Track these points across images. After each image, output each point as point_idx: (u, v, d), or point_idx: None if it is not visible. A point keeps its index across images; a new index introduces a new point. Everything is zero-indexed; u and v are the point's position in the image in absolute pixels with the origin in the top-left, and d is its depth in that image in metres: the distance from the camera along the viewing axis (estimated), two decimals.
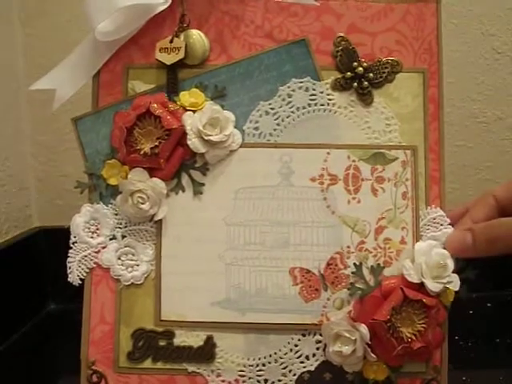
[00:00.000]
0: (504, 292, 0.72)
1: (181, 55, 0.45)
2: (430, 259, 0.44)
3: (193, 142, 0.45)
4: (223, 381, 0.46)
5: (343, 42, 0.47)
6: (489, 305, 0.71)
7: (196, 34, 0.46)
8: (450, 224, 0.46)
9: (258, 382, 0.46)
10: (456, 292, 0.46)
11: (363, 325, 0.44)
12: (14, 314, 0.67)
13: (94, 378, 0.46)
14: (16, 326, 0.68)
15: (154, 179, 0.46)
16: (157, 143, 0.45)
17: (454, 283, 0.45)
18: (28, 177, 0.78)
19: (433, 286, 0.44)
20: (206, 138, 0.45)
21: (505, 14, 0.77)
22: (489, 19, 0.77)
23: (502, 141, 0.77)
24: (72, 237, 0.47)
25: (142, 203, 0.45)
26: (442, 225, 0.46)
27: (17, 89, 0.73)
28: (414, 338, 0.44)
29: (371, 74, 0.47)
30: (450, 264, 0.44)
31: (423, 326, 0.44)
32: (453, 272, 0.45)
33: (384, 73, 0.47)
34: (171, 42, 0.46)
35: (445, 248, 0.45)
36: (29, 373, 0.59)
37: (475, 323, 0.67)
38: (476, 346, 0.61)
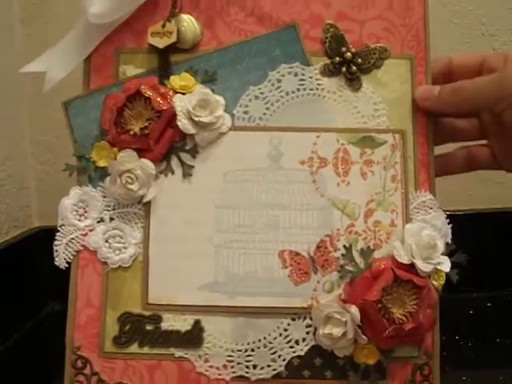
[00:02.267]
0: (504, 292, 0.71)
1: (173, 39, 0.46)
2: (419, 240, 0.44)
3: (183, 123, 0.45)
4: (211, 366, 0.45)
5: (332, 29, 0.48)
6: (489, 305, 0.70)
7: (187, 20, 0.47)
8: None
9: (247, 367, 0.45)
10: (447, 277, 0.46)
11: (353, 306, 0.43)
12: (13, 314, 0.66)
13: (79, 364, 0.45)
14: (16, 326, 0.67)
15: (144, 160, 0.45)
16: (147, 124, 0.45)
17: (444, 264, 0.45)
18: (28, 177, 0.77)
19: (423, 266, 0.44)
20: (195, 119, 0.45)
21: (505, 14, 0.78)
22: (489, 19, 0.78)
23: None
24: (59, 219, 0.47)
25: (131, 183, 0.45)
26: (431, 208, 0.46)
27: (17, 89, 0.73)
28: (405, 319, 0.43)
29: (359, 60, 0.47)
30: (440, 245, 0.44)
31: (414, 307, 0.43)
32: (443, 255, 0.45)
33: (372, 59, 0.47)
34: (163, 26, 0.46)
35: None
36: (29, 373, 0.58)
37: (475, 323, 0.66)
38: (476, 346, 0.61)
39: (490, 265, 0.69)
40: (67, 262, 0.46)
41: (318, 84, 0.47)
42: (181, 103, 0.46)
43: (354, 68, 0.47)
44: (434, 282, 0.45)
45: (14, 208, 0.72)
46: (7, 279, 0.65)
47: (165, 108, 0.45)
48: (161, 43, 0.46)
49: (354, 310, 0.43)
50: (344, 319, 0.43)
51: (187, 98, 0.46)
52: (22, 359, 0.61)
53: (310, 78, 0.47)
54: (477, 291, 0.70)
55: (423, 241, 0.44)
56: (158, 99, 0.45)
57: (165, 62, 0.46)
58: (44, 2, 0.74)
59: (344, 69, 0.47)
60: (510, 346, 0.60)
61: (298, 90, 0.47)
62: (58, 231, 0.46)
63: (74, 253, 0.46)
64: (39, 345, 0.63)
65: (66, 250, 0.46)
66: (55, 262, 0.46)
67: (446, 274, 0.45)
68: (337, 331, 0.43)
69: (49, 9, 0.73)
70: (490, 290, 0.71)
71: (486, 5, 0.78)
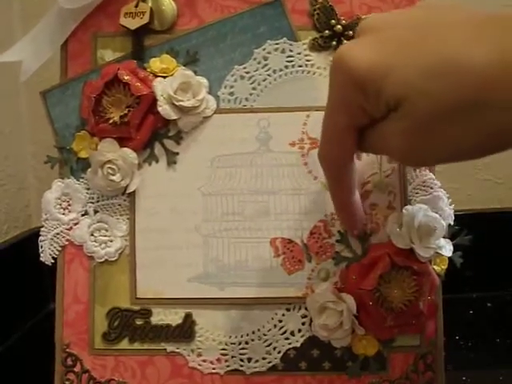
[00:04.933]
0: (504, 292, 0.70)
1: (145, 20, 0.44)
2: (418, 223, 0.41)
3: (164, 109, 0.43)
4: (204, 360, 0.44)
5: (320, 0, 0.45)
6: (489, 305, 0.68)
7: None
8: None
9: (241, 360, 0.43)
10: (450, 260, 0.43)
11: (349, 295, 0.41)
12: (13, 314, 0.66)
13: (69, 361, 0.44)
14: (16, 326, 0.66)
15: (125, 149, 0.44)
16: (126, 111, 0.43)
17: (446, 248, 0.42)
18: (28, 177, 0.77)
19: (422, 251, 0.41)
20: (177, 103, 0.43)
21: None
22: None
23: None
24: (43, 214, 0.45)
25: (113, 174, 0.43)
26: (431, 188, 0.44)
27: (17, 89, 0.72)
28: (404, 307, 0.41)
29: (351, 32, 0.44)
30: (441, 228, 0.42)
31: (414, 294, 0.41)
32: (445, 238, 0.42)
33: None
34: (136, 6, 0.44)
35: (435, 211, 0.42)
36: (29, 373, 0.58)
37: (475, 323, 0.65)
38: (476, 346, 0.59)
39: (490, 265, 0.67)
40: (53, 258, 0.45)
41: (307, 60, 0.44)
42: (161, 87, 0.43)
43: (346, 42, 0.44)
44: (435, 267, 0.42)
45: (14, 208, 0.71)
46: (7, 279, 0.64)
47: (144, 93, 0.43)
48: (133, 24, 0.43)
49: (350, 299, 0.41)
50: (340, 309, 0.41)
51: (168, 82, 0.43)
52: (22, 359, 0.61)
53: (299, 54, 0.45)
54: (477, 291, 0.69)
55: (423, 224, 0.41)
56: (137, 84, 0.43)
57: (138, 43, 0.44)
58: (44, 2, 0.72)
59: (334, 43, 0.44)
60: (509, 345, 0.59)
61: (286, 67, 0.45)
62: (43, 226, 0.45)
63: (59, 248, 0.45)
64: (39, 345, 0.63)
65: (51, 245, 0.45)
66: (40, 258, 0.45)
67: (449, 257, 0.43)
68: (332, 322, 0.41)
69: (49, 9, 0.71)
70: (489, 290, 0.69)
71: (486, 5, 0.74)
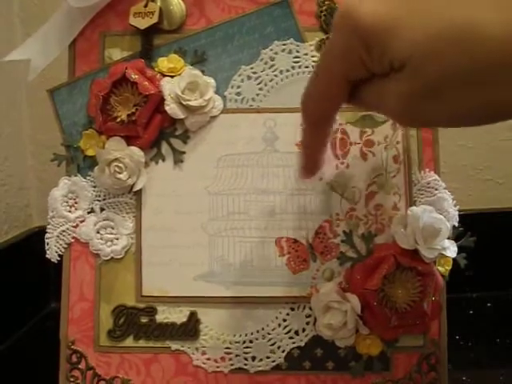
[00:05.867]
0: (504, 292, 0.70)
1: (154, 19, 0.44)
2: (423, 224, 0.41)
3: (171, 108, 0.43)
4: (208, 359, 0.44)
5: (327, 2, 0.45)
6: (489, 305, 0.69)
7: None
8: None
9: (245, 359, 0.44)
10: (454, 261, 0.43)
11: (354, 295, 0.41)
12: (14, 313, 0.66)
13: (74, 358, 0.44)
14: (16, 326, 0.67)
15: (132, 148, 0.44)
16: (134, 110, 0.43)
17: (450, 249, 0.42)
18: (28, 177, 0.77)
19: (427, 252, 0.41)
20: (184, 103, 0.43)
21: None
22: None
23: (502, 141, 0.74)
24: (49, 211, 0.45)
25: (120, 173, 0.43)
26: (436, 189, 0.44)
27: (17, 89, 0.72)
28: (408, 308, 0.41)
29: None
30: (445, 229, 0.42)
31: (418, 295, 0.41)
32: (449, 239, 0.43)
33: None
34: (146, 6, 0.44)
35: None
36: (29, 373, 0.58)
37: (475, 323, 0.65)
38: (476, 346, 0.59)
39: (490, 265, 0.68)
40: (59, 255, 0.45)
41: (314, 61, 0.45)
42: (169, 87, 0.44)
43: None
44: (439, 268, 0.42)
45: (14, 208, 0.71)
46: (7, 279, 0.64)
47: (152, 92, 0.43)
48: (142, 24, 0.43)
49: (354, 299, 0.41)
50: (344, 309, 0.41)
51: (176, 81, 0.44)
52: (23, 359, 0.61)
53: (305, 54, 0.45)
54: (477, 291, 0.70)
55: (427, 225, 0.41)
56: (145, 83, 0.43)
57: (148, 43, 0.44)
58: (44, 2, 0.72)
59: None
60: (510, 345, 0.59)
61: (293, 68, 0.45)
62: (49, 223, 0.45)
63: (65, 245, 0.45)
64: (40, 344, 0.63)
65: (58, 242, 0.45)
66: (47, 255, 0.45)
67: (454, 258, 0.43)
68: (337, 321, 0.41)
69: (49, 9, 0.71)
70: (489, 290, 0.70)
71: None
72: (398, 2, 0.28)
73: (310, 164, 0.38)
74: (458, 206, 0.44)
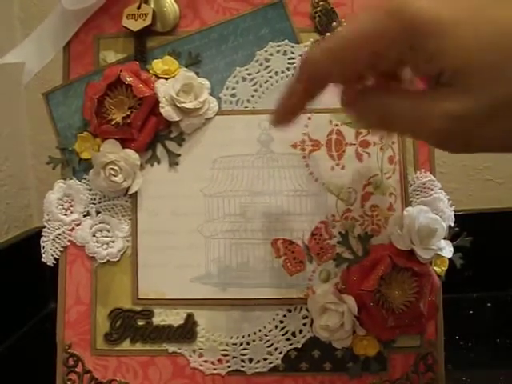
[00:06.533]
0: (504, 292, 0.70)
1: (148, 21, 0.44)
2: (419, 225, 0.41)
3: (166, 110, 0.43)
4: (206, 361, 0.44)
5: (321, 3, 0.45)
6: (489, 305, 0.69)
7: (168, 1, 0.45)
8: None
9: (243, 361, 0.44)
10: (450, 261, 0.43)
11: (350, 296, 0.41)
12: (14, 314, 0.66)
13: (71, 362, 0.44)
14: (16, 326, 0.67)
15: (127, 150, 0.44)
16: (128, 113, 0.43)
17: (446, 250, 0.42)
18: (28, 177, 0.77)
19: (423, 252, 0.41)
20: (179, 105, 0.43)
21: None
22: None
23: None
24: (45, 215, 0.45)
25: (115, 175, 0.43)
26: (432, 190, 0.44)
27: (17, 89, 0.72)
28: (404, 308, 0.41)
29: None
30: (441, 229, 0.42)
31: (415, 295, 0.41)
32: (445, 239, 0.43)
33: None
34: (139, 8, 0.44)
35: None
36: (29, 373, 0.58)
37: (475, 323, 0.65)
38: (476, 346, 0.59)
39: (490, 265, 0.68)
40: (55, 259, 0.45)
41: None
42: (164, 89, 0.43)
43: None
44: (435, 268, 0.43)
45: (14, 208, 0.71)
46: (7, 279, 0.64)
47: (147, 94, 0.43)
48: (135, 26, 0.43)
49: (351, 300, 0.41)
50: (341, 310, 0.41)
51: (170, 83, 0.44)
52: (23, 359, 0.61)
53: (300, 55, 0.45)
54: (477, 291, 0.70)
55: (423, 225, 0.41)
56: (140, 85, 0.43)
57: (141, 45, 0.44)
58: (44, 2, 0.72)
59: None
60: (510, 345, 0.59)
61: (288, 69, 0.45)
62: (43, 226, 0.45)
63: (61, 249, 0.45)
64: (39, 345, 0.63)
65: (53, 246, 0.45)
66: (42, 259, 0.45)
67: (450, 258, 0.43)
68: (333, 322, 0.41)
69: (49, 9, 0.71)
70: (490, 290, 0.70)
71: None
72: (463, 4, 0.25)
73: (281, 117, 0.35)
74: (453, 206, 0.44)
